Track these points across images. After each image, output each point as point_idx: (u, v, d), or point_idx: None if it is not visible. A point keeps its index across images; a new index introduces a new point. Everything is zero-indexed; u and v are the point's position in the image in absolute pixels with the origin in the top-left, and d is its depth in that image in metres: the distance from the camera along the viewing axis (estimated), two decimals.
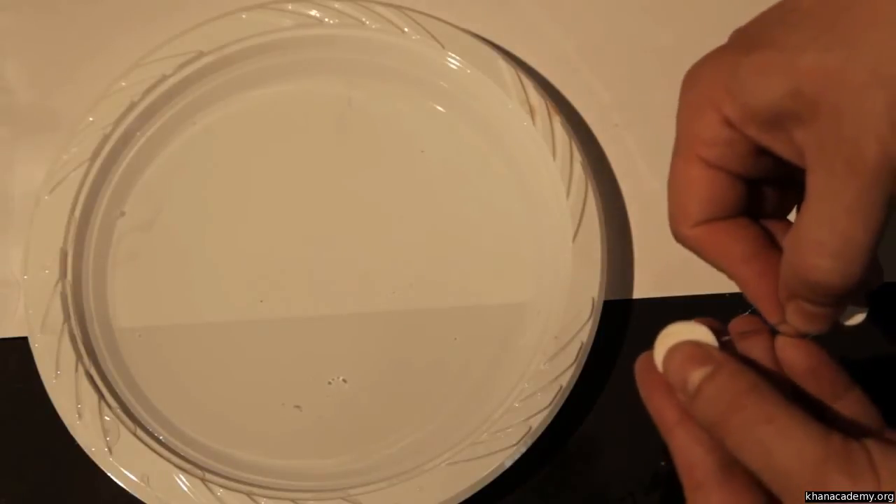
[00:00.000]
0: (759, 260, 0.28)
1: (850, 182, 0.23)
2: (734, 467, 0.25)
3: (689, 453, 0.26)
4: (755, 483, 0.25)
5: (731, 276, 0.29)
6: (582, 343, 0.39)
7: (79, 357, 0.39)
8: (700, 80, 0.26)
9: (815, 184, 0.24)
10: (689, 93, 0.27)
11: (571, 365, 0.38)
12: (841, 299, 0.26)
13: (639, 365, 0.28)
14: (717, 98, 0.26)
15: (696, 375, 0.26)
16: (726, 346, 0.28)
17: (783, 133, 0.25)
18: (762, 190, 0.29)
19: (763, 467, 0.24)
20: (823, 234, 0.24)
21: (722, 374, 0.26)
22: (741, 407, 0.25)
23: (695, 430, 0.26)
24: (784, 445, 0.23)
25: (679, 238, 0.29)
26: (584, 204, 0.41)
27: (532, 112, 0.42)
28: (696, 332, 0.28)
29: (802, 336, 0.28)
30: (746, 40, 0.26)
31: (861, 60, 0.23)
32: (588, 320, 0.39)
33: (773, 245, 0.29)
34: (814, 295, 0.25)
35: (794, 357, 0.28)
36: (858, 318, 0.29)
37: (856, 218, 0.23)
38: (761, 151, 0.26)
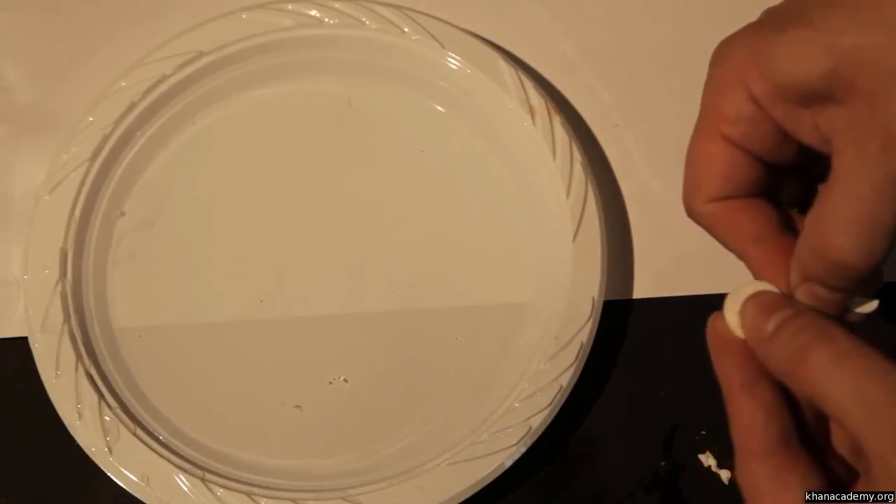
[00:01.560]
0: (770, 241, 0.28)
1: (882, 164, 0.23)
2: (792, 440, 0.25)
3: (750, 418, 0.26)
4: (811, 461, 0.25)
5: (740, 256, 0.29)
6: (582, 343, 0.39)
7: (79, 357, 0.39)
8: (730, 56, 0.26)
9: (843, 164, 0.24)
10: (718, 69, 0.27)
11: (571, 365, 0.38)
12: (855, 283, 0.25)
13: (711, 324, 0.28)
14: (747, 75, 0.25)
15: (775, 317, 0.25)
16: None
17: (810, 115, 0.25)
18: (778, 178, 0.28)
19: (849, 403, 0.23)
20: (850, 213, 0.24)
21: (802, 315, 0.25)
22: (827, 339, 0.24)
23: (761, 394, 0.26)
24: (876, 380, 0.23)
25: (691, 213, 0.29)
26: (584, 204, 0.41)
27: (532, 112, 0.42)
28: (766, 287, 0.28)
29: None
30: (780, 18, 0.25)
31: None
32: (588, 320, 0.39)
33: (786, 228, 0.28)
34: (830, 276, 0.25)
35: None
36: (870, 307, 0.28)
37: (884, 199, 0.23)
38: (784, 135, 0.26)
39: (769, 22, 0.26)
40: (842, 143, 0.24)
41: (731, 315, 0.27)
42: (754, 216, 0.28)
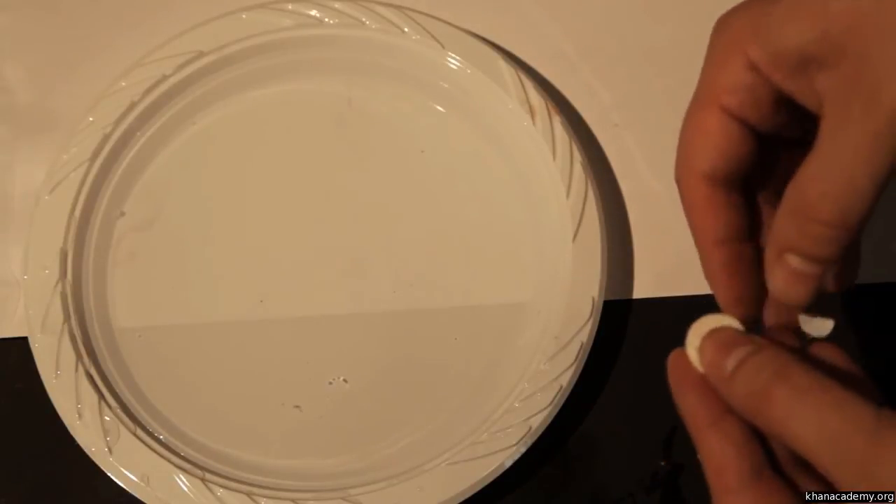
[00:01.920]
0: (730, 247, 0.28)
1: (863, 124, 0.23)
2: (765, 470, 0.25)
3: (721, 455, 0.26)
4: (787, 486, 0.25)
5: (699, 252, 0.29)
6: (582, 343, 0.39)
7: (79, 357, 0.39)
8: (729, 27, 0.26)
9: (827, 126, 0.24)
10: (717, 40, 0.27)
11: (571, 365, 0.38)
12: (834, 249, 0.25)
13: (671, 361, 0.28)
14: (745, 43, 0.26)
15: (735, 355, 0.25)
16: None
17: (807, 79, 0.25)
18: (771, 155, 0.28)
19: (813, 439, 0.23)
20: (829, 173, 0.24)
21: (763, 351, 0.25)
22: (786, 377, 0.24)
23: (728, 430, 0.26)
24: (837, 413, 0.23)
25: (679, 183, 0.28)
26: (584, 204, 0.41)
27: (532, 112, 0.42)
28: (726, 322, 0.28)
29: (789, 311, 0.28)
30: None
31: (893, 5, 0.23)
32: (588, 320, 0.39)
33: (751, 236, 0.28)
34: (808, 241, 0.25)
35: (825, 356, 0.28)
36: (826, 329, 0.29)
37: (862, 159, 0.23)
38: (782, 101, 0.26)
39: None
40: (829, 106, 0.24)
41: (693, 350, 0.27)
42: (727, 218, 0.28)
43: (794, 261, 0.26)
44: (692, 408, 0.27)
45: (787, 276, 0.26)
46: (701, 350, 0.27)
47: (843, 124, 0.24)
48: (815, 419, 0.23)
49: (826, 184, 0.24)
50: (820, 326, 0.29)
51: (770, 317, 0.29)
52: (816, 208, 0.24)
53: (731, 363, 0.25)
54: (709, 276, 0.29)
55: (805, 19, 0.24)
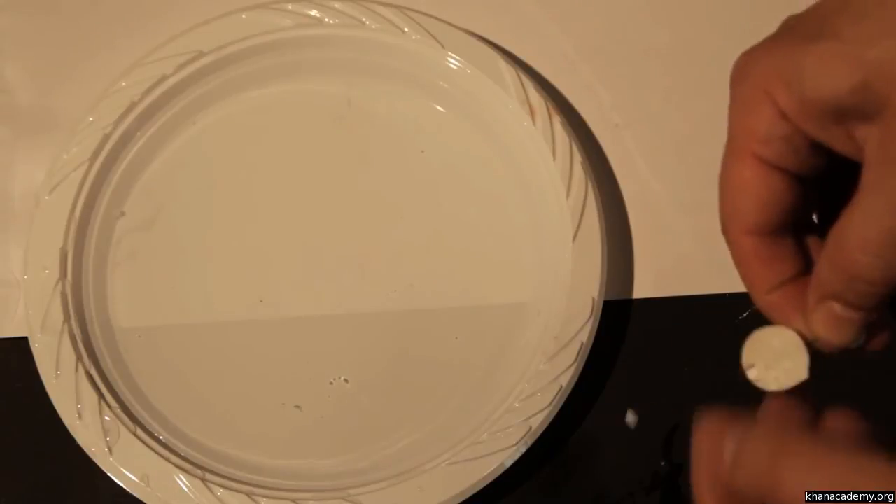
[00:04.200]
0: (780, 291, 0.27)
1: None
2: None
3: None
4: None
5: (753, 299, 0.28)
6: (582, 343, 0.39)
7: (79, 357, 0.39)
8: (753, 71, 0.25)
9: (869, 179, 0.23)
10: (741, 86, 0.25)
11: (571, 365, 0.38)
12: (874, 300, 0.25)
13: (698, 436, 0.26)
14: (773, 90, 0.24)
15: (730, 441, 0.24)
16: (818, 353, 0.28)
17: (844, 128, 0.24)
18: (818, 189, 0.27)
19: None
20: (870, 228, 0.23)
21: (758, 430, 0.24)
22: (789, 452, 0.23)
23: None
24: (852, 473, 0.22)
25: (727, 240, 0.27)
26: (584, 204, 0.40)
27: (532, 112, 0.42)
28: (784, 337, 0.27)
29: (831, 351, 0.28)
30: (805, 29, 0.24)
31: None
32: (588, 320, 0.39)
33: (802, 272, 0.28)
34: (849, 292, 0.25)
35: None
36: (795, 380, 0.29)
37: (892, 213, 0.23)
38: (819, 148, 0.25)
39: (792, 34, 0.25)
40: (871, 158, 0.23)
41: (752, 370, 0.28)
42: (779, 268, 0.27)
43: (836, 308, 0.26)
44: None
45: (827, 320, 0.26)
46: (694, 447, 0.26)
47: (885, 179, 0.23)
48: (830, 485, 0.22)
49: (867, 240, 0.23)
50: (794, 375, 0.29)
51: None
52: (857, 263, 0.24)
53: (728, 452, 0.25)
54: (772, 312, 0.28)
55: (839, 68, 0.23)
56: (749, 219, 0.26)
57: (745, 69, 0.25)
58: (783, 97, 0.24)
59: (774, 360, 0.29)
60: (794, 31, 0.25)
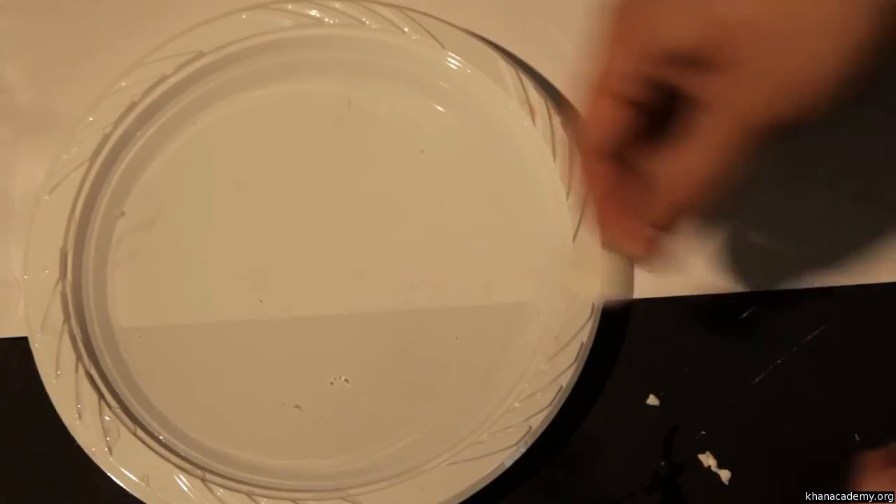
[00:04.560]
0: (610, 201, 0.32)
1: (726, 130, 0.27)
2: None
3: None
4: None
5: (593, 204, 0.33)
6: (582, 343, 0.39)
7: (79, 357, 0.39)
8: (623, 16, 0.28)
9: (701, 121, 0.27)
10: (612, 26, 0.28)
11: (571, 365, 0.38)
12: (673, 229, 0.30)
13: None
14: (637, 35, 0.28)
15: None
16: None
17: (692, 73, 0.27)
18: (661, 122, 0.31)
19: None
20: (696, 166, 0.28)
21: None
22: None
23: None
24: None
25: (581, 158, 0.32)
26: (584, 204, 0.40)
27: (532, 112, 0.42)
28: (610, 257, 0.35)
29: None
30: None
31: (774, 18, 0.25)
32: (588, 320, 0.39)
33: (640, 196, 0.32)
34: (669, 219, 0.30)
35: None
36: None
37: (717, 161, 0.27)
38: (668, 87, 0.28)
39: None
40: (708, 104, 0.27)
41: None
42: (604, 176, 0.31)
43: (650, 230, 0.30)
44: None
45: (648, 241, 0.31)
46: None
47: (716, 124, 0.27)
48: None
49: (691, 174, 0.28)
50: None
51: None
52: (681, 195, 0.29)
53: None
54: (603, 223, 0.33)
55: (693, 23, 0.26)
56: (595, 137, 0.30)
57: (618, 12, 0.28)
58: (643, 42, 0.27)
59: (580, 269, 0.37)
60: None
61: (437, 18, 0.43)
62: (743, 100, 0.26)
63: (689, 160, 0.28)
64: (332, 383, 0.41)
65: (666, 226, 0.30)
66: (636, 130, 0.30)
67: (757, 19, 0.25)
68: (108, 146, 0.42)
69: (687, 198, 0.29)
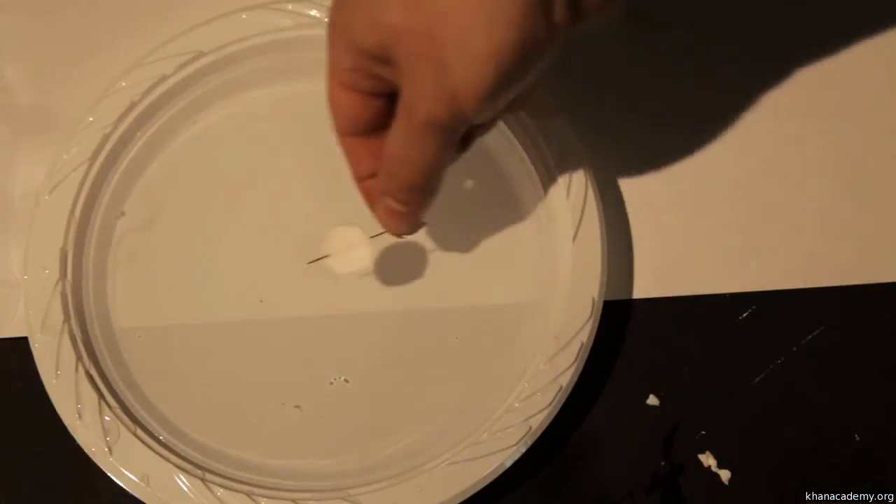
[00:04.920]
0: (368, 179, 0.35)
1: (406, 124, 0.30)
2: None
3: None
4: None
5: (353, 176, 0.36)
6: (582, 343, 0.39)
7: (79, 357, 0.39)
8: (334, 15, 0.31)
9: (396, 108, 0.30)
10: (329, 24, 0.31)
11: (571, 365, 0.38)
12: (416, 201, 0.33)
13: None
14: (343, 34, 0.30)
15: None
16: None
17: (388, 69, 0.30)
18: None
19: None
20: (396, 147, 0.31)
21: None
22: None
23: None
24: None
25: (337, 137, 0.35)
26: (584, 204, 0.40)
27: (533, 111, 0.42)
28: (355, 232, 0.40)
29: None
30: None
31: (423, 29, 0.27)
32: (588, 320, 0.39)
33: None
34: (394, 191, 0.33)
35: None
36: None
37: (410, 144, 0.31)
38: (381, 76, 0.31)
39: None
40: (399, 94, 0.30)
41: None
42: (364, 161, 0.35)
43: (389, 202, 0.34)
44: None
45: (384, 211, 0.34)
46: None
47: (402, 112, 0.30)
48: None
49: (395, 153, 0.31)
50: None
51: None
52: (395, 170, 0.32)
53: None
54: (365, 196, 0.36)
55: (370, 27, 0.29)
56: (340, 124, 0.34)
57: (332, 12, 0.31)
58: (347, 41, 0.30)
59: (346, 250, 0.41)
60: None
61: None
62: (411, 97, 0.29)
63: (388, 144, 0.32)
64: (332, 383, 0.41)
65: (400, 201, 0.33)
66: (380, 114, 0.33)
67: (411, 28, 0.27)
68: (108, 146, 0.42)
69: (395, 178, 0.32)
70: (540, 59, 0.29)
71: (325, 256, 0.40)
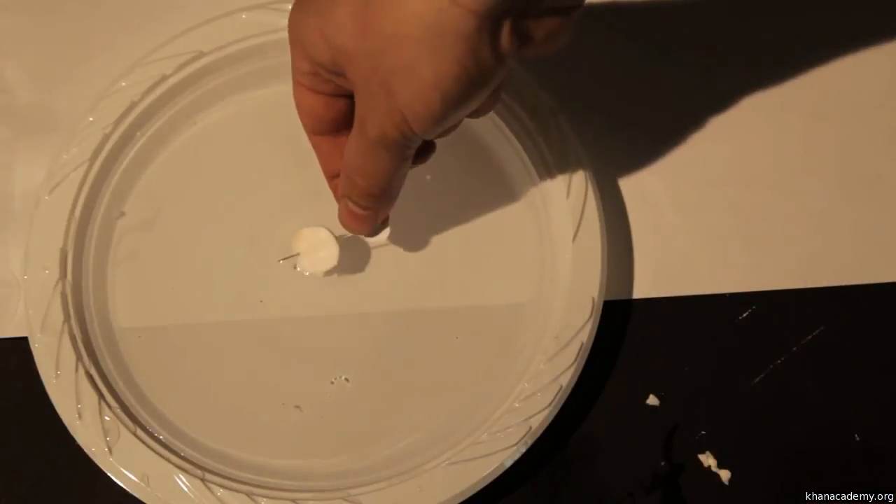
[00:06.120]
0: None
1: (360, 138, 0.31)
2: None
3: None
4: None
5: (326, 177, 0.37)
6: (582, 343, 0.39)
7: (79, 357, 0.39)
8: (291, 24, 0.32)
9: (355, 116, 0.31)
10: (289, 32, 0.32)
11: (571, 365, 0.38)
12: (370, 202, 0.34)
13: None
14: (302, 43, 0.31)
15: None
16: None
17: (344, 80, 0.31)
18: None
19: None
20: (350, 154, 0.32)
21: None
22: None
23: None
24: None
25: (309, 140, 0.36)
26: (584, 204, 0.41)
27: (533, 111, 0.42)
28: (322, 233, 0.41)
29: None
30: (309, 1, 0.31)
31: (369, 55, 0.28)
32: (588, 320, 0.39)
33: None
34: (352, 193, 0.34)
35: None
36: (382, 238, 0.41)
37: (358, 158, 0.32)
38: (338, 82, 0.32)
39: (305, 2, 0.31)
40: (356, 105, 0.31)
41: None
42: (333, 160, 0.36)
43: (349, 204, 0.35)
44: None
45: (344, 212, 0.36)
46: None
47: (357, 121, 0.31)
48: None
49: (350, 160, 0.33)
50: (377, 238, 0.40)
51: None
52: (351, 175, 0.33)
53: None
54: (334, 193, 0.37)
55: (322, 45, 0.30)
56: (306, 123, 0.35)
57: (290, 22, 0.32)
58: (304, 50, 0.31)
59: (313, 250, 0.41)
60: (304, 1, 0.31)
61: None
62: (363, 113, 0.30)
63: (346, 153, 0.33)
64: (332, 383, 0.41)
65: (358, 205, 0.35)
66: (344, 113, 0.34)
67: (360, 51, 0.28)
68: (108, 146, 0.42)
69: (353, 185, 0.34)
70: (488, 84, 0.29)
71: (296, 255, 0.41)
